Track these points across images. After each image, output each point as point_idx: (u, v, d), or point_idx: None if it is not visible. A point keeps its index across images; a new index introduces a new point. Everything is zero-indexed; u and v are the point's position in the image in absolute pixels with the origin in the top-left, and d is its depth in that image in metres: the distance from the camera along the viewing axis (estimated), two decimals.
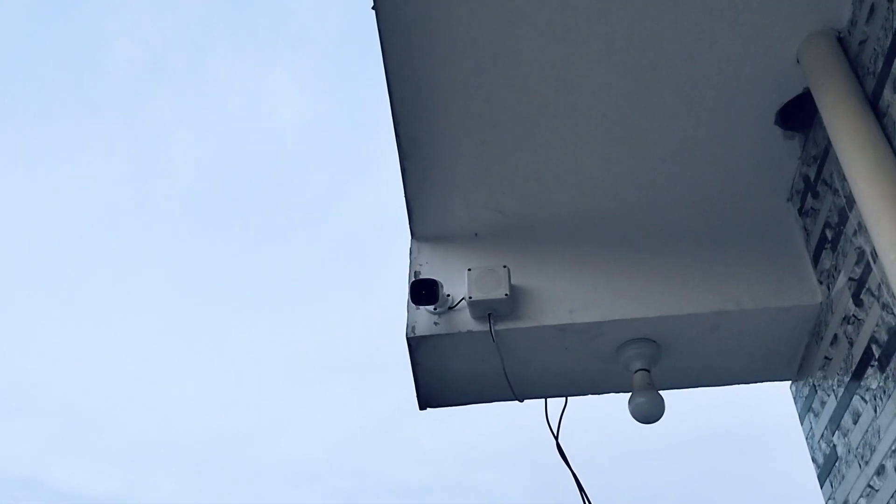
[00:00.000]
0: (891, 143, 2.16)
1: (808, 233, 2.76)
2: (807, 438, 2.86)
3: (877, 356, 2.31)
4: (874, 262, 2.30)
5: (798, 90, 2.60)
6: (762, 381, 3.02)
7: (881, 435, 2.31)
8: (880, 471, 2.32)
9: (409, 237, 3.04)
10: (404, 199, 2.92)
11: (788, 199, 2.90)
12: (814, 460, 2.81)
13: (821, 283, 2.67)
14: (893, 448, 2.24)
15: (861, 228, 2.37)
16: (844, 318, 2.50)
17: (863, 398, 2.41)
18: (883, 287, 2.25)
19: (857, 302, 2.41)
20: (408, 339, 2.78)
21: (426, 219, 2.98)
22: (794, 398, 2.97)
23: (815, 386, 2.77)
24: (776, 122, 2.70)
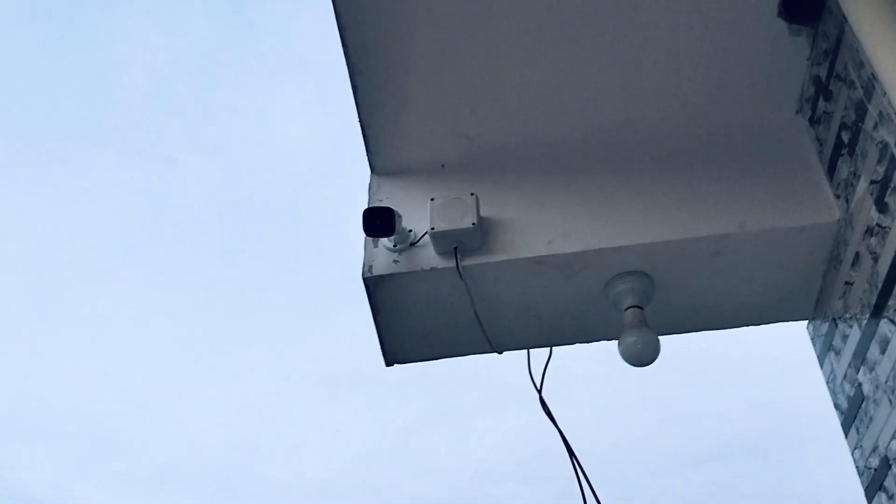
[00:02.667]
0: None
1: (820, 143, 2.38)
2: (827, 383, 2.47)
3: None
4: None
5: None
6: (774, 322, 2.63)
7: None
8: None
9: (369, 172, 2.70)
10: (359, 125, 2.57)
11: (797, 112, 2.53)
12: (836, 407, 2.42)
13: (838, 197, 2.30)
14: None
15: (883, 119, 2.00)
16: (867, 231, 2.12)
17: (892, 320, 2.02)
18: None
19: (882, 207, 2.03)
20: (364, 279, 2.43)
21: (385, 148, 2.63)
22: (812, 339, 2.58)
23: (834, 320, 2.39)
24: (779, 14, 2.34)
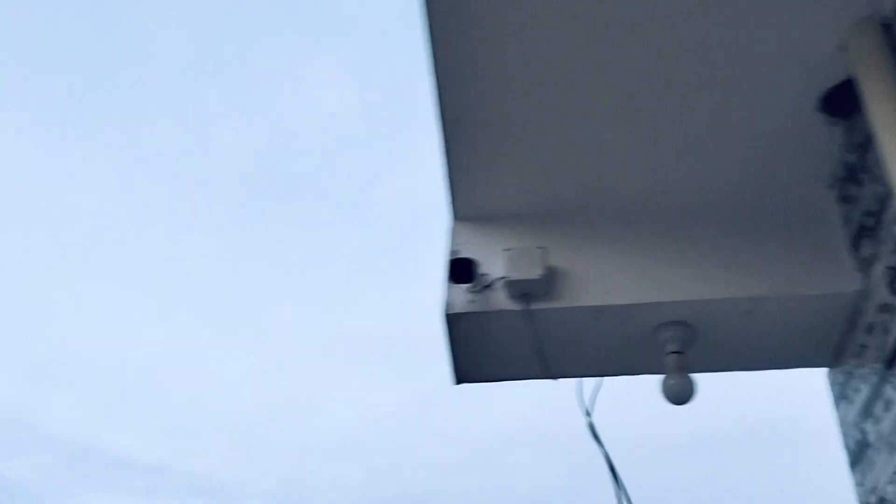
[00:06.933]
0: None
1: (847, 220, 2.75)
2: (840, 425, 2.87)
3: None
4: None
5: (842, 77, 2.59)
6: (796, 368, 3.03)
7: None
8: None
9: (450, 218, 3.09)
10: (445, 181, 2.97)
11: (829, 187, 2.89)
12: (845, 447, 2.82)
13: (859, 270, 2.67)
14: None
15: None
16: (881, 307, 2.50)
17: (895, 387, 2.41)
18: None
19: (894, 290, 2.41)
20: (445, 316, 2.84)
21: (465, 200, 3.02)
22: (830, 385, 2.97)
23: (849, 373, 2.78)
24: (818, 109, 2.69)
